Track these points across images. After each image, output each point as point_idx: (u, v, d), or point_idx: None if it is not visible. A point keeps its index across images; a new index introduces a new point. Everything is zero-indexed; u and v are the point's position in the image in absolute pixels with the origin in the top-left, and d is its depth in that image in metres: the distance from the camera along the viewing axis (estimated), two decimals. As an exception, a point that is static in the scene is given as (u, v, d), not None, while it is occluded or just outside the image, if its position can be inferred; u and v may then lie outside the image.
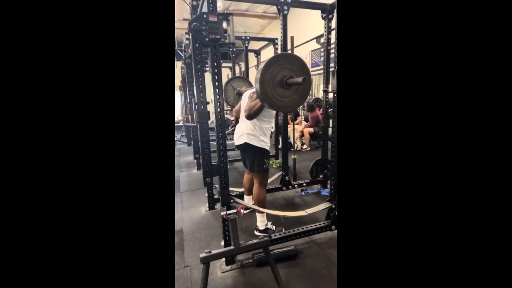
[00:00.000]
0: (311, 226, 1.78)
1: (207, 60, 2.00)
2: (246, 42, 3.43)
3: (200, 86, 1.32)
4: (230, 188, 2.55)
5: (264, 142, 1.79)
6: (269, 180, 2.64)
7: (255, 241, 1.37)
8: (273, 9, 7.17)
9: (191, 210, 2.41)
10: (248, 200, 2.21)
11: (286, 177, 2.57)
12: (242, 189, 2.35)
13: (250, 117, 1.71)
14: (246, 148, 1.81)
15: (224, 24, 1.29)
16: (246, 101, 1.84)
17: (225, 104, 3.03)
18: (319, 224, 1.80)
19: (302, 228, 1.76)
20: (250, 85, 2.92)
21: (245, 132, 1.79)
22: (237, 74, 5.23)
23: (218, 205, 2.44)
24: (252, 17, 7.20)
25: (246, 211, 2.28)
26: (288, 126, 2.66)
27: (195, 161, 3.76)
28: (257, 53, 4.03)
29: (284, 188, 2.58)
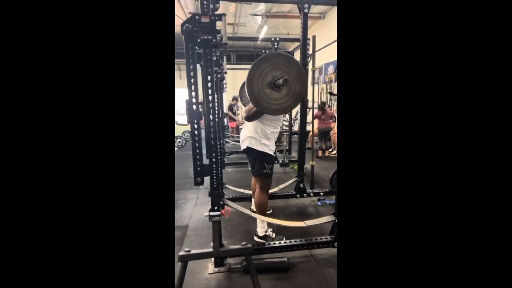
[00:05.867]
0: (310, 240, 1.65)
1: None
2: (276, 43, 3.38)
3: (192, 87, 1.33)
4: (240, 190, 2.55)
5: (266, 145, 1.74)
6: (283, 186, 2.55)
7: (237, 246, 1.32)
8: (317, 9, 6.94)
9: (202, 207, 2.47)
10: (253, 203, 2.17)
11: (301, 184, 2.44)
12: (250, 191, 2.31)
13: (248, 118, 1.71)
14: (248, 152, 1.79)
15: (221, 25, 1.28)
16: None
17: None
18: (320, 239, 1.66)
19: (300, 241, 1.64)
20: None
21: (247, 136, 1.77)
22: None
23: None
24: (295, 18, 7.08)
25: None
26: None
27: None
28: (291, 54, 3.94)
29: (298, 195, 2.45)
